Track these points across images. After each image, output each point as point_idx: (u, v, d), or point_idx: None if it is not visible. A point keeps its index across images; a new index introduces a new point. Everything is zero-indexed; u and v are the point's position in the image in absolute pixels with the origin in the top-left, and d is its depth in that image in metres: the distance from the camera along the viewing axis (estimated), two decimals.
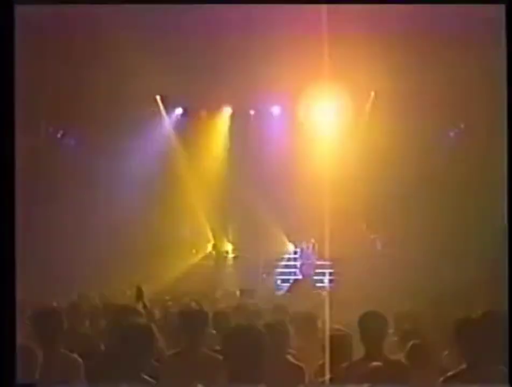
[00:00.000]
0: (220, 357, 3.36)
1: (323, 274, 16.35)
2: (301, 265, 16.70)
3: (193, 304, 7.37)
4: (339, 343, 4.59)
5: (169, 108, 17.58)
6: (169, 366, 4.73)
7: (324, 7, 7.30)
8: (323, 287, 15.53)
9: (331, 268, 16.30)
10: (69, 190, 14.23)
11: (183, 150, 17.67)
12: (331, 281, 16.03)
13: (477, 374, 3.96)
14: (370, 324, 4.55)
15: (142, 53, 11.98)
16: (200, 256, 17.44)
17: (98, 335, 5.70)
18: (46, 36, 10.41)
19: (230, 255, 17.73)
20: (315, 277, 16.21)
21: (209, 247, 17.69)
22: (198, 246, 17.64)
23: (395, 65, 12.68)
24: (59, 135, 15.92)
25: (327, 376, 4.42)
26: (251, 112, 17.82)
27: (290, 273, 17.07)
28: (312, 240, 16.69)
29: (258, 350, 3.22)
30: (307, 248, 16.89)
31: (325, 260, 16.63)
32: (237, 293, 12.09)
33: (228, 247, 17.89)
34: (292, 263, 17.35)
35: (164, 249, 16.85)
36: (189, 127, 17.73)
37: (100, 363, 4.51)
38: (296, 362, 4.90)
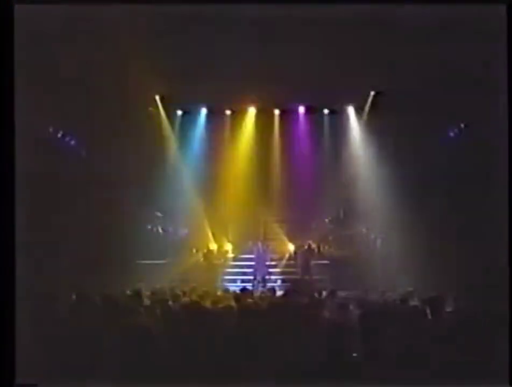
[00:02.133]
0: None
1: (324, 274, 16.33)
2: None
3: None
4: None
5: (168, 108, 17.57)
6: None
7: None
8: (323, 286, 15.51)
9: (331, 268, 16.29)
10: (69, 189, 14.19)
11: (183, 150, 17.68)
12: (331, 281, 16.01)
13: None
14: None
15: (142, 53, 11.97)
16: (200, 256, 17.44)
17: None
18: (46, 36, 10.39)
19: (230, 255, 17.74)
20: (316, 277, 16.18)
21: (209, 247, 17.69)
22: (198, 246, 17.64)
23: (394, 66, 12.68)
24: (59, 135, 15.89)
25: None
26: (252, 113, 17.82)
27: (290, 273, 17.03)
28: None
29: None
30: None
31: (325, 260, 16.70)
32: (238, 292, 12.06)
33: (228, 247, 17.89)
34: (292, 262, 17.34)
35: (164, 249, 16.85)
36: (189, 127, 17.74)
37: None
38: None
